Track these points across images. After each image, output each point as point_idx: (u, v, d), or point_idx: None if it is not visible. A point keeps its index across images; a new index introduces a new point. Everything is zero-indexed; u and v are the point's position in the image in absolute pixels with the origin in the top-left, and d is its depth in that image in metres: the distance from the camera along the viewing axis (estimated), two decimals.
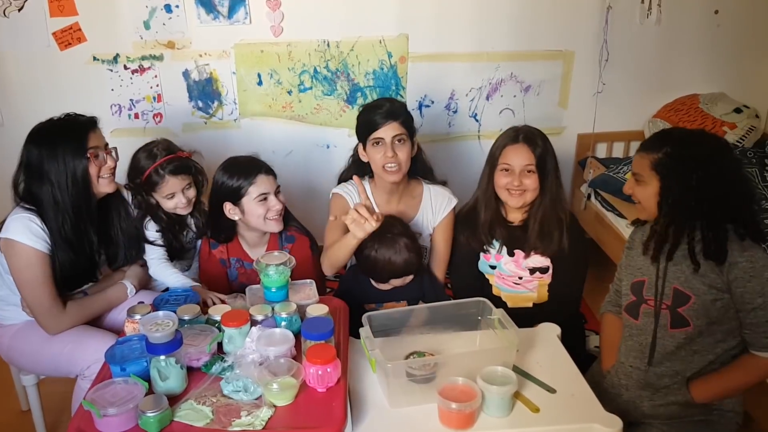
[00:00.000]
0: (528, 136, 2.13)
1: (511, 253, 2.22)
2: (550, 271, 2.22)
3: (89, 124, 2.04)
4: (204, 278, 2.34)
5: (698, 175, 1.68)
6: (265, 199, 2.18)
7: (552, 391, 1.66)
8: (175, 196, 2.26)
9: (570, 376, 1.74)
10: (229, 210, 2.20)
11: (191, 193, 2.30)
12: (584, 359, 1.99)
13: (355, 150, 2.32)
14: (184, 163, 2.27)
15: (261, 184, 2.17)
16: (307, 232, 2.38)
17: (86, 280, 2.12)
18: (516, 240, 2.21)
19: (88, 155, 1.98)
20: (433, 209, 2.31)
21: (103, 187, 2.05)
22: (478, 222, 2.23)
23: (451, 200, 2.32)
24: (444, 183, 2.39)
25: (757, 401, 2.08)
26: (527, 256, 2.20)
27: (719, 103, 3.39)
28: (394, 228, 2.15)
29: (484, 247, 2.24)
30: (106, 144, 2.07)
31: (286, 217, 2.31)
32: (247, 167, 2.20)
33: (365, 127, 2.21)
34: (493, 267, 2.26)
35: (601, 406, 1.60)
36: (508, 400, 1.56)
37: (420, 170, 2.36)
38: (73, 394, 2.05)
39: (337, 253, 2.15)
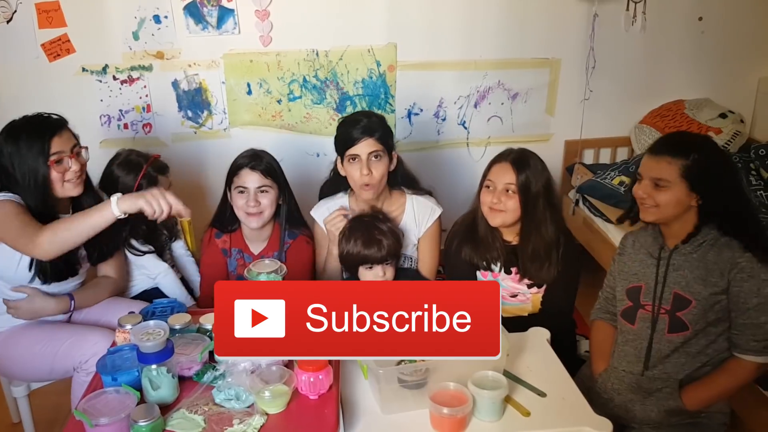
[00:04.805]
0: (517, 157, 2.06)
1: (508, 271, 2.17)
2: (544, 285, 2.18)
3: (55, 127, 1.98)
4: (203, 265, 2.39)
5: (727, 182, 1.78)
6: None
7: (542, 395, 1.67)
8: None
9: (560, 379, 1.75)
10: None
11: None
12: (574, 364, 2.00)
13: (335, 163, 2.30)
14: (162, 162, 2.39)
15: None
16: (311, 238, 2.37)
17: (66, 275, 2.07)
18: (511, 261, 2.15)
19: (49, 162, 1.94)
20: (417, 221, 2.29)
21: (68, 191, 2.00)
22: (478, 237, 2.16)
23: (434, 210, 2.30)
24: (429, 193, 2.36)
25: (744, 400, 2.11)
26: (521, 279, 2.15)
27: (705, 109, 3.43)
28: (365, 216, 2.18)
29: (485, 264, 2.17)
30: (75, 144, 2.01)
31: (295, 217, 2.35)
32: None
33: (342, 143, 2.19)
34: None
35: (592, 410, 1.61)
36: (499, 404, 1.57)
37: (402, 181, 2.32)
38: (71, 391, 2.01)
39: (329, 266, 2.25)
